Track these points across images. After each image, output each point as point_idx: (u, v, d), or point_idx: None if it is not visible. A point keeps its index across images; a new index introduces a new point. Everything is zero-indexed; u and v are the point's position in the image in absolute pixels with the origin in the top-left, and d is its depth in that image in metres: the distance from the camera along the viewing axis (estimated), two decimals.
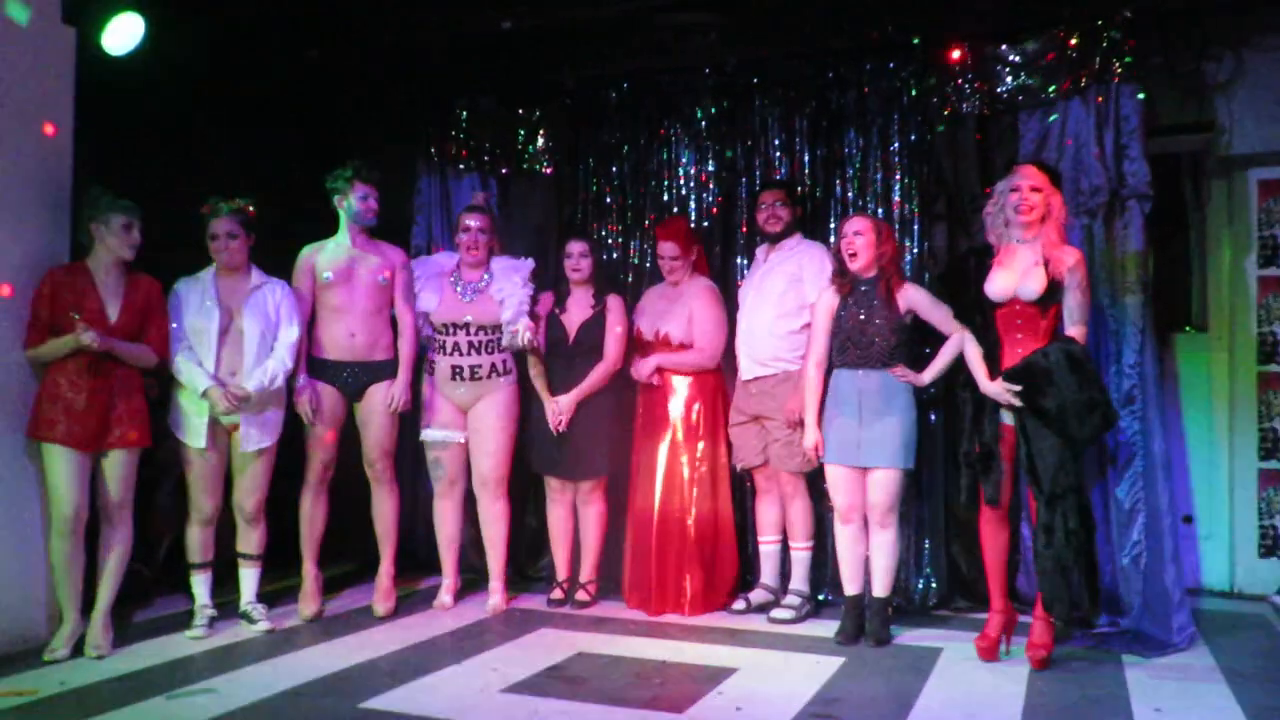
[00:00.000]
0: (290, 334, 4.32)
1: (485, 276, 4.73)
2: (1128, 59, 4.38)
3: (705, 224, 5.24)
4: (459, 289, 4.71)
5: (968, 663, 3.88)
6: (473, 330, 4.66)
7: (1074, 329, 3.74)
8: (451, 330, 4.67)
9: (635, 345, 4.87)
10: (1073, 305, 3.74)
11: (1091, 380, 3.69)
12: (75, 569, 3.92)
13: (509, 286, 4.70)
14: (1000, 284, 3.82)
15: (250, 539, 4.40)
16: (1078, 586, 3.66)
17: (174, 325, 4.17)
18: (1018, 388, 3.69)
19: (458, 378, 4.67)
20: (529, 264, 4.83)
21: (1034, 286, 3.74)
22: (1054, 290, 3.74)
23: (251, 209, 4.32)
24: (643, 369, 4.77)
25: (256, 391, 4.18)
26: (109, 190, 3.99)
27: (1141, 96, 4.37)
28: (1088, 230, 4.44)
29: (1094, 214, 4.43)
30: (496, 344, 4.69)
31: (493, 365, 4.68)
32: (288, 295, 4.38)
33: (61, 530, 3.85)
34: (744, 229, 5.18)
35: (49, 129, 4.08)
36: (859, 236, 4.18)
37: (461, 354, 4.66)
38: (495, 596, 4.76)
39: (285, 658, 3.94)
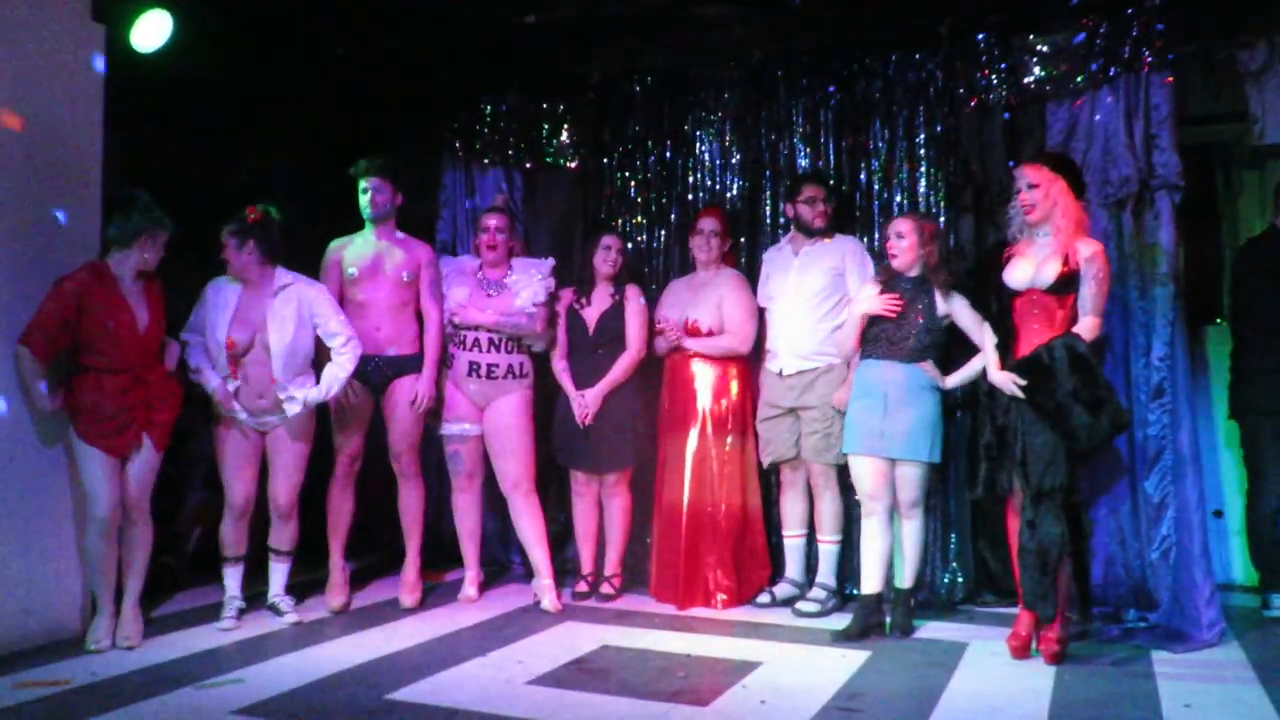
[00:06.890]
0: (343, 339, 4.29)
1: (507, 273, 4.74)
2: (1158, 47, 4.31)
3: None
4: (483, 285, 4.73)
5: (994, 657, 3.86)
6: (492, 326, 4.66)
7: (1085, 320, 3.75)
8: (472, 326, 4.68)
9: (658, 336, 4.86)
10: (1086, 296, 3.75)
11: (1095, 378, 3.70)
12: (111, 563, 3.96)
13: (525, 279, 4.71)
14: (1018, 273, 3.87)
15: (283, 534, 4.43)
16: (1050, 586, 3.67)
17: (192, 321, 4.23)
18: (1024, 382, 3.71)
19: (474, 374, 4.66)
20: (549, 262, 4.84)
21: (1049, 275, 3.76)
22: (1070, 280, 3.76)
23: (253, 215, 4.22)
24: (663, 343, 4.77)
25: (318, 399, 4.25)
26: (155, 202, 3.97)
27: (1171, 83, 4.29)
28: (1117, 221, 4.38)
29: (1123, 205, 4.37)
30: (515, 344, 4.70)
31: (509, 367, 4.68)
32: (319, 296, 4.31)
33: (101, 530, 3.87)
34: (769, 221, 5.16)
35: (77, 124, 4.10)
36: (900, 239, 4.17)
37: (481, 350, 4.66)
38: (548, 595, 4.59)
39: (312, 649, 3.97)
